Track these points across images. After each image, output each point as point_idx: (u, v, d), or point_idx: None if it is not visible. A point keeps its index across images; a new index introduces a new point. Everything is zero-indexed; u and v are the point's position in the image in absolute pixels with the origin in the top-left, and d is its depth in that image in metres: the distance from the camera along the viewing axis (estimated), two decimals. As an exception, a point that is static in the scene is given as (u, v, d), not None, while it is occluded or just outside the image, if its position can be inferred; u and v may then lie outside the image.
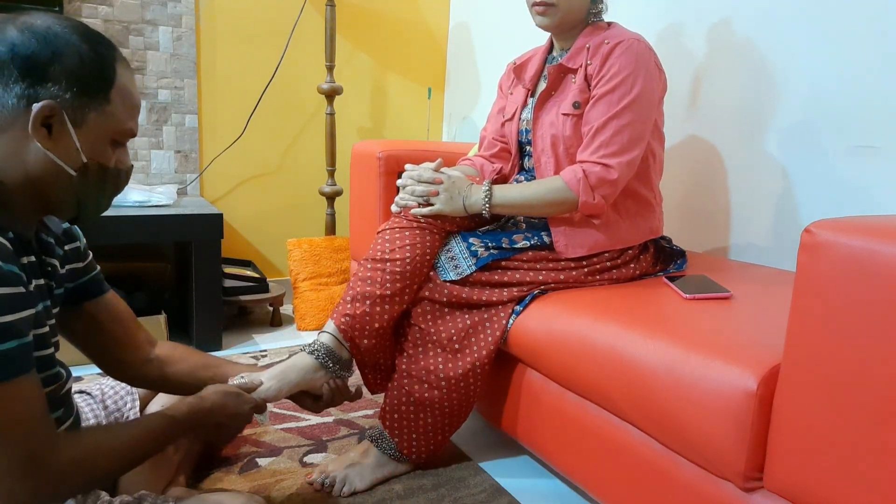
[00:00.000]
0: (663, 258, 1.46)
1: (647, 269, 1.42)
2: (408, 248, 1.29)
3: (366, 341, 1.29)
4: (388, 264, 1.29)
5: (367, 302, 1.28)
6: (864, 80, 1.36)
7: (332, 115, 2.47)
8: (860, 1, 1.36)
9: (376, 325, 1.29)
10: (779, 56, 1.53)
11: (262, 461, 1.39)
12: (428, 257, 1.31)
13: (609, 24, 1.40)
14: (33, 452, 0.74)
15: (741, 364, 0.86)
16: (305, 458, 1.42)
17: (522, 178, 1.51)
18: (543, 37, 1.49)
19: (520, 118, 1.50)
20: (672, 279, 1.31)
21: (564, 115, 1.36)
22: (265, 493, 1.27)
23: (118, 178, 0.87)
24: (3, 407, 0.71)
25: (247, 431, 1.52)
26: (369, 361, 1.35)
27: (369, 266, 1.31)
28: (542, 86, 1.45)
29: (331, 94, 2.44)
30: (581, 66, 1.36)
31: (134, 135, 0.86)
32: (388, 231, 1.34)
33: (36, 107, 0.76)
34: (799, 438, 0.78)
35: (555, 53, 1.49)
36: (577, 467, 1.17)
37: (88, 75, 0.79)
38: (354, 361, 1.34)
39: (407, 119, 2.86)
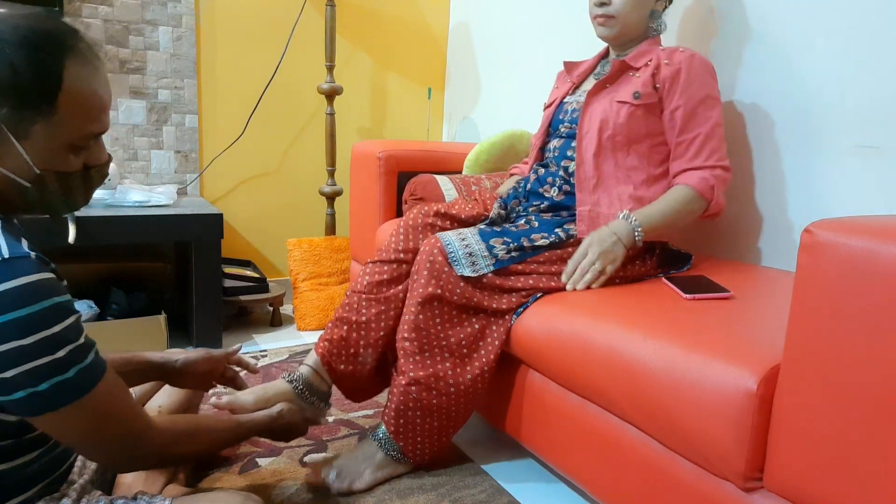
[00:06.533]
0: (669, 261, 1.46)
1: (650, 271, 1.41)
2: (385, 284, 1.39)
3: (342, 367, 1.37)
4: (363, 295, 1.38)
5: (345, 327, 1.36)
6: (864, 79, 1.36)
7: (332, 115, 2.47)
8: (860, 2, 1.36)
9: (352, 351, 1.36)
10: (778, 56, 1.53)
11: (261, 461, 1.39)
12: (393, 312, 1.37)
13: (658, 39, 1.51)
14: (136, 432, 0.85)
15: (741, 364, 0.86)
16: (305, 458, 1.42)
17: (542, 165, 1.54)
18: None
19: (560, 103, 1.57)
20: (672, 279, 1.30)
21: (620, 102, 1.41)
22: (265, 492, 1.27)
23: (87, 178, 0.84)
24: (109, 397, 0.81)
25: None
26: (346, 385, 1.42)
27: (348, 293, 1.40)
28: (591, 82, 1.54)
29: (331, 94, 2.44)
30: (644, 67, 1.43)
31: (99, 134, 0.82)
32: (369, 265, 1.42)
33: None
34: (799, 438, 0.78)
35: (610, 58, 1.57)
36: (577, 467, 1.17)
37: (25, 87, 0.73)
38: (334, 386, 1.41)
39: (407, 119, 2.86)
